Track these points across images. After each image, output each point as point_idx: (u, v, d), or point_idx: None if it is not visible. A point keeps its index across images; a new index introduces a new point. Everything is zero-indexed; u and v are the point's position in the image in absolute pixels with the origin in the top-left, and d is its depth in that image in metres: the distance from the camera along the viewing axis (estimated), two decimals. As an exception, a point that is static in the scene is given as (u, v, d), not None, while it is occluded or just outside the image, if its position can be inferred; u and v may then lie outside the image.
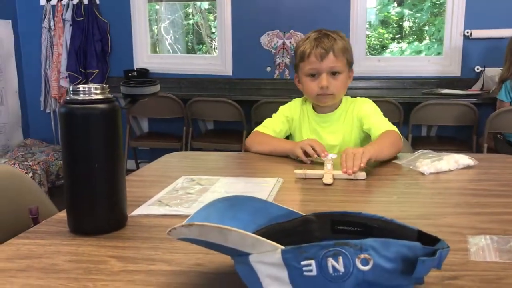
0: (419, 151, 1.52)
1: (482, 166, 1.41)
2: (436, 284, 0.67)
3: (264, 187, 1.19)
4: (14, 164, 3.52)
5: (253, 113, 3.46)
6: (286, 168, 1.42)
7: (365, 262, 0.53)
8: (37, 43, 4.46)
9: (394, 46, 5.31)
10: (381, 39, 5.31)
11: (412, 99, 3.48)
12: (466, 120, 3.33)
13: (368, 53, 4.41)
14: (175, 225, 0.63)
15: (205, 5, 5.12)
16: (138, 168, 3.97)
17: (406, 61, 4.41)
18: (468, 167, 1.38)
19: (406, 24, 5.38)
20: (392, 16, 5.26)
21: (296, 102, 1.80)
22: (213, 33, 5.13)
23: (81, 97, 0.87)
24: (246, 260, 0.59)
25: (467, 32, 3.81)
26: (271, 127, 1.74)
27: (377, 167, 1.39)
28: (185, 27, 5.21)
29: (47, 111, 4.56)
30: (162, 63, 4.44)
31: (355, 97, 1.77)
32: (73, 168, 0.88)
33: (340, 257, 0.54)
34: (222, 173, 1.34)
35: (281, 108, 1.80)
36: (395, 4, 5.04)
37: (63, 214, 0.96)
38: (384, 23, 5.26)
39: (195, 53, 5.22)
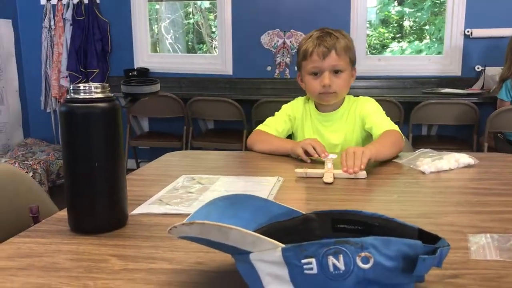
0: (420, 150, 1.51)
1: (483, 165, 1.41)
2: (436, 283, 0.67)
3: (265, 186, 1.19)
4: (15, 164, 3.53)
5: (254, 112, 3.46)
6: (286, 167, 1.42)
7: (365, 260, 0.53)
8: (38, 42, 4.46)
9: (394, 45, 5.31)
10: (381, 39, 5.31)
11: (412, 99, 3.48)
12: (467, 119, 3.33)
13: (368, 53, 4.41)
14: (175, 223, 0.63)
15: (206, 4, 5.12)
16: (138, 167, 3.96)
17: (407, 60, 4.41)
18: (468, 166, 1.38)
19: (406, 24, 5.38)
20: (392, 16, 5.26)
21: (298, 101, 1.80)
22: (213, 32, 5.13)
23: (82, 96, 0.87)
24: (246, 258, 0.59)
25: (468, 31, 3.80)
26: (273, 126, 1.73)
27: (378, 166, 1.39)
28: (186, 27, 5.21)
29: (48, 110, 4.57)
30: (162, 62, 4.44)
31: (357, 96, 1.77)
32: (74, 167, 0.88)
33: (341, 255, 0.54)
34: (222, 172, 1.34)
35: (284, 106, 1.80)
36: (396, 3, 5.04)
37: (63, 213, 0.95)
38: (385, 22, 5.26)
39: (196, 53, 5.22)
